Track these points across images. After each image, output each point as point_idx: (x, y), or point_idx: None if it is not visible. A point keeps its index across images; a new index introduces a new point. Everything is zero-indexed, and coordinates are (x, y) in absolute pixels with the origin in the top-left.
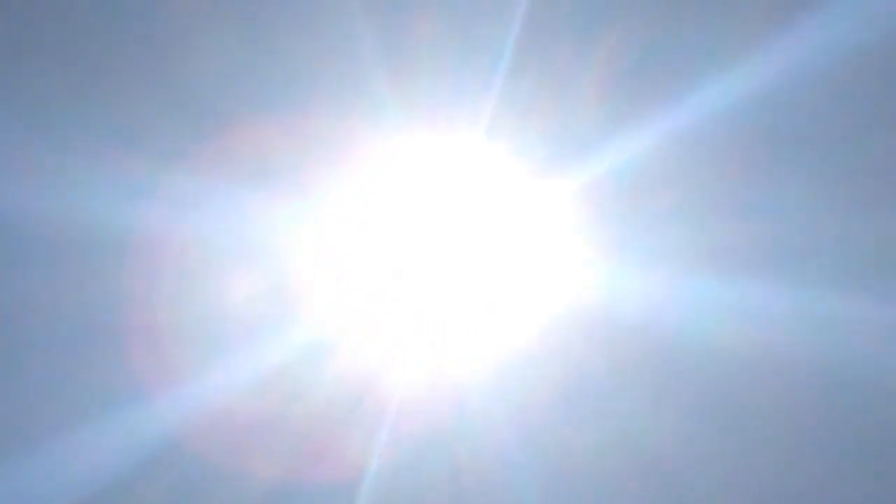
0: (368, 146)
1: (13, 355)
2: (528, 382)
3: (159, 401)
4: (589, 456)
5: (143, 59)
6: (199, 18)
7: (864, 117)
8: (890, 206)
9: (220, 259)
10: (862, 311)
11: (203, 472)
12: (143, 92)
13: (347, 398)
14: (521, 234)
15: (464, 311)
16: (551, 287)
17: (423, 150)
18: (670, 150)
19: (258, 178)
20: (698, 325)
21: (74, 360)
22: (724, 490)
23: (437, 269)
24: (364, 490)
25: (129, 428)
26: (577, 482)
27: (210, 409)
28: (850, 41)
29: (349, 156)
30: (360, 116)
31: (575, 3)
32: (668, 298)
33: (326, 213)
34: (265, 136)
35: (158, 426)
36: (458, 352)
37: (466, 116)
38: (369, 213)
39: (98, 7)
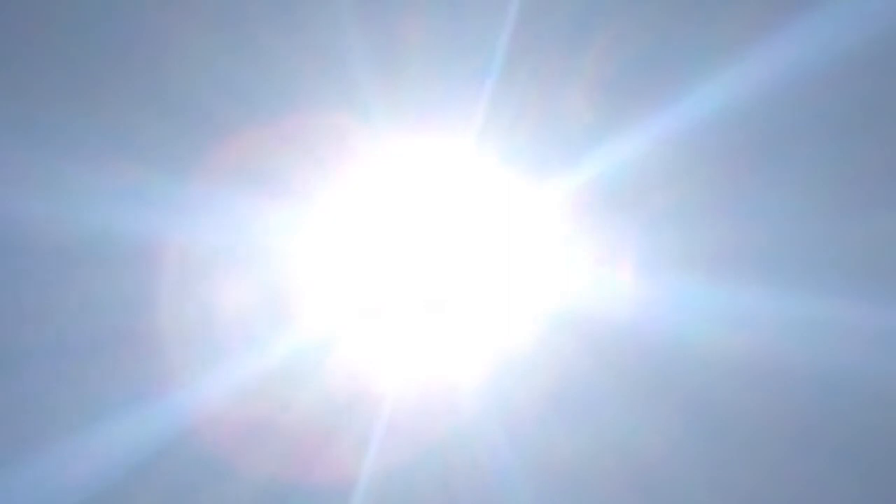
0: (360, 151)
1: (9, 359)
2: (521, 386)
3: (154, 405)
4: (581, 460)
5: (137, 64)
6: (193, 24)
7: (857, 120)
8: (883, 210)
9: (215, 263)
10: (855, 315)
11: (199, 476)
12: (138, 97)
13: (341, 402)
14: (513, 238)
15: (457, 315)
16: (542, 291)
17: (415, 154)
18: (662, 154)
19: (250, 183)
20: (690, 330)
21: (70, 364)
22: (714, 494)
23: (430, 273)
24: (358, 493)
25: (125, 432)
26: (570, 486)
27: (205, 413)
28: (841, 45)
29: (341, 160)
30: (352, 121)
31: (566, 7)
32: (660, 302)
33: (319, 218)
34: (256, 140)
35: (153, 430)
36: (451, 356)
37: (457, 121)
38: (361, 217)
39: (93, 12)
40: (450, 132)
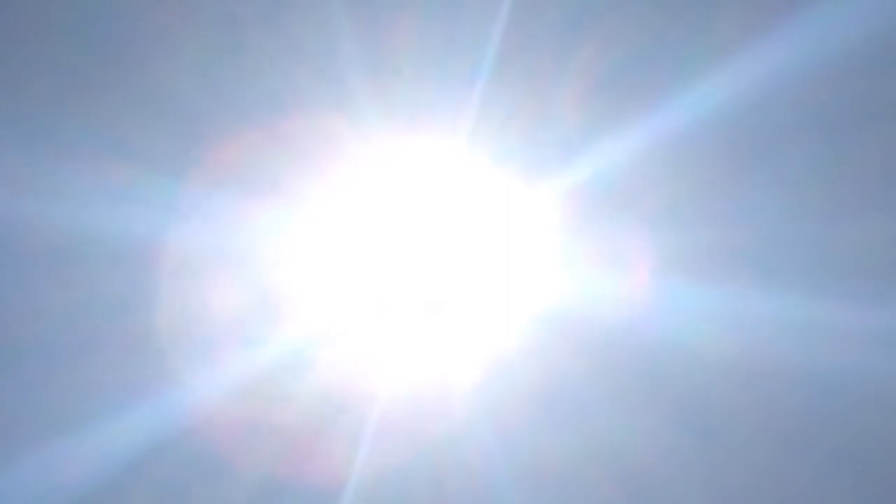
0: (352, 152)
1: (4, 359)
2: (513, 387)
3: (147, 404)
4: (574, 462)
5: (131, 66)
6: (186, 25)
7: (850, 121)
8: (877, 211)
9: (208, 263)
10: (849, 316)
11: (192, 475)
12: (132, 99)
13: (334, 402)
14: (505, 239)
15: (449, 316)
16: (535, 292)
17: (407, 155)
18: (654, 155)
19: (242, 184)
20: (684, 331)
21: (64, 363)
22: (707, 496)
23: (423, 274)
24: (349, 493)
25: (119, 431)
26: (562, 488)
27: (199, 413)
28: (834, 45)
29: (333, 161)
30: (343, 122)
31: (558, 7)
32: (654, 304)
33: (311, 219)
34: (248, 141)
35: (147, 430)
36: (444, 356)
37: (449, 122)
38: (354, 218)
39: (88, 13)
40: (441, 133)
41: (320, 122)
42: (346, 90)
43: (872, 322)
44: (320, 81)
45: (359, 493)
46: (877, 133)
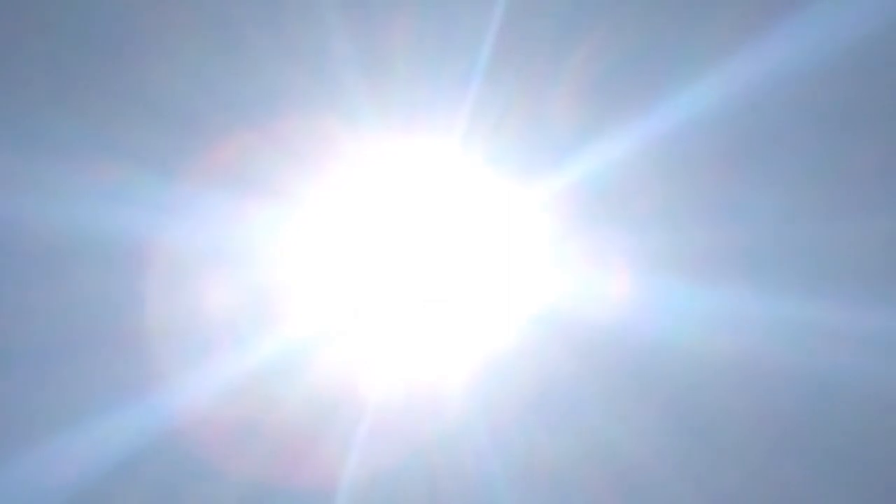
0: (347, 152)
1: None
2: (506, 388)
3: (139, 405)
4: (567, 462)
5: (126, 66)
6: (181, 25)
7: (844, 122)
8: (871, 212)
9: (202, 264)
10: (841, 317)
11: (184, 476)
12: (127, 99)
13: (327, 403)
14: (499, 240)
15: (442, 316)
16: (528, 293)
17: (401, 155)
18: (648, 155)
19: (236, 184)
20: (677, 332)
21: (56, 363)
22: (699, 497)
23: (415, 274)
24: (342, 494)
25: (110, 431)
26: (555, 488)
27: (192, 413)
28: (827, 46)
29: (328, 161)
30: (338, 123)
31: (552, 8)
32: (647, 304)
33: (305, 219)
34: (243, 141)
35: (137, 430)
36: (436, 357)
37: (443, 122)
38: (348, 219)
39: (83, 13)
40: (436, 134)
41: (315, 123)
42: (341, 91)
43: (866, 323)
44: (316, 82)
45: (352, 494)
46: (871, 134)
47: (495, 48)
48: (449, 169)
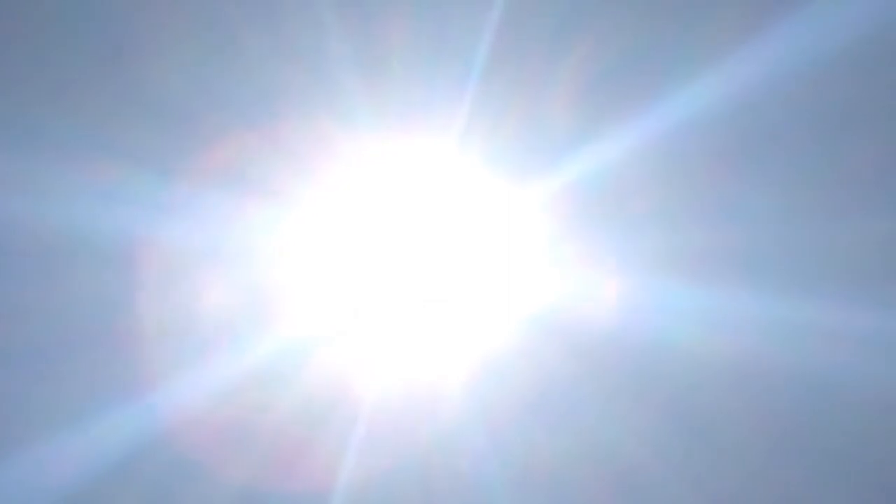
0: (343, 152)
1: None
2: (503, 389)
3: (135, 405)
4: (564, 463)
5: (123, 65)
6: (177, 25)
7: (840, 122)
8: (867, 213)
9: (198, 264)
10: (838, 318)
11: (179, 477)
12: (123, 98)
13: (323, 404)
14: (496, 240)
15: (439, 317)
16: (525, 293)
17: (398, 156)
18: (645, 156)
19: (232, 184)
20: (674, 333)
21: (52, 364)
22: (697, 498)
23: (412, 274)
24: (338, 496)
25: (105, 431)
26: (552, 490)
27: (187, 414)
28: (824, 47)
29: (324, 161)
30: (334, 122)
31: (549, 8)
32: (644, 305)
33: (301, 220)
34: (239, 141)
35: (133, 430)
36: (434, 358)
37: (440, 122)
38: (344, 219)
39: (80, 13)
40: (433, 134)
41: (312, 123)
42: (338, 91)
43: (864, 324)
44: (312, 82)
45: (349, 496)
46: (868, 135)
47: (492, 48)
48: (446, 169)
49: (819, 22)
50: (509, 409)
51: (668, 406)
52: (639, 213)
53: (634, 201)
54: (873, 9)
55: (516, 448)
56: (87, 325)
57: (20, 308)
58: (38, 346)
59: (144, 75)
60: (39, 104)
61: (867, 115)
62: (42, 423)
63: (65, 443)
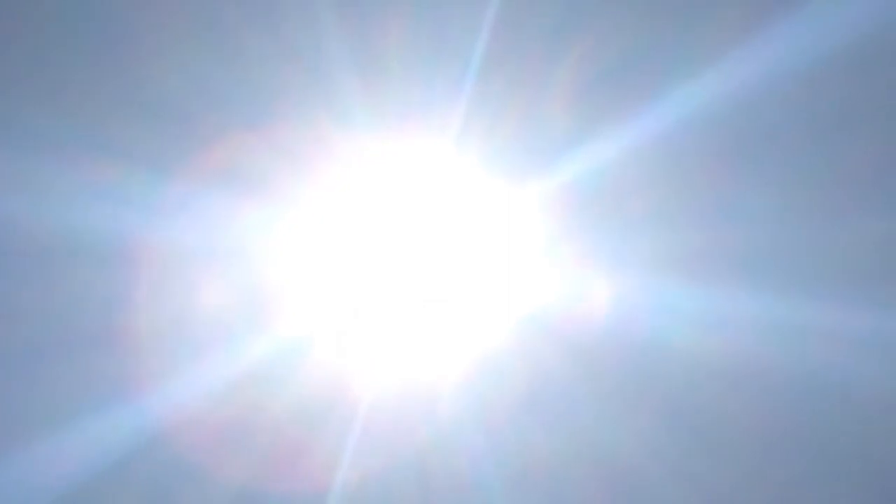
0: (340, 152)
1: None
2: (500, 388)
3: (131, 404)
4: (560, 463)
5: (121, 65)
6: (175, 25)
7: (837, 123)
8: (865, 213)
9: (195, 264)
10: (835, 318)
11: (175, 476)
12: (121, 98)
13: (319, 404)
14: (492, 239)
15: (435, 316)
16: (522, 293)
17: (395, 155)
18: (642, 155)
19: (229, 184)
20: (670, 333)
21: (47, 364)
22: (693, 497)
23: (409, 274)
24: (335, 496)
25: (102, 431)
26: (548, 489)
27: (182, 414)
28: (821, 47)
29: (321, 161)
30: (332, 122)
31: (546, 8)
32: (641, 305)
33: (298, 220)
34: (237, 141)
35: (130, 430)
36: (430, 357)
37: (437, 122)
38: (341, 219)
39: (76, 12)
40: (430, 134)
41: (309, 123)
42: (335, 91)
43: (861, 324)
44: (310, 82)
45: (345, 496)
46: (867, 134)
47: (489, 48)
48: (443, 169)
49: (816, 22)
50: (506, 409)
51: (664, 406)
52: (636, 213)
53: (631, 201)
54: (871, 9)
55: (513, 448)
56: (84, 324)
57: (17, 308)
58: (33, 345)
59: (143, 75)
60: (38, 104)
61: (864, 115)
62: (38, 423)
63: (61, 443)
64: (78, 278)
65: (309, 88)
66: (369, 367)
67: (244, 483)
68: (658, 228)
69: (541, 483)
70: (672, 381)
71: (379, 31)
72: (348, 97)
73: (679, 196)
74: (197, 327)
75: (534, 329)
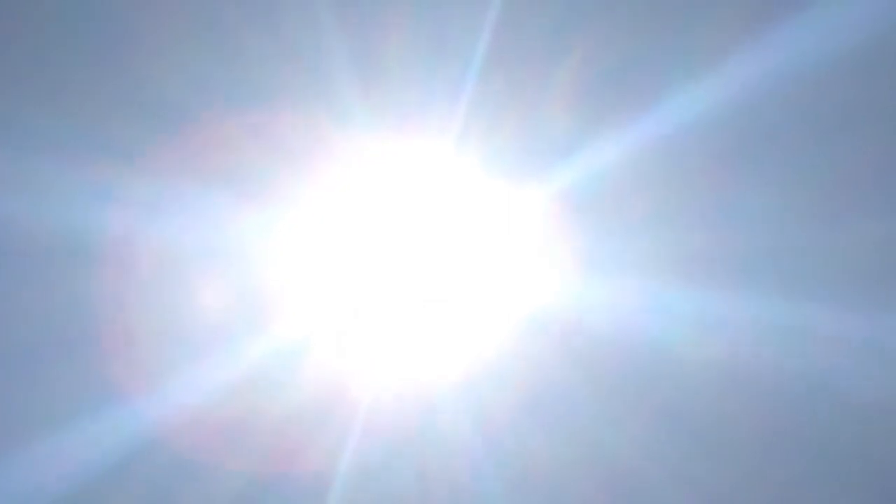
0: (340, 153)
1: None
2: (499, 391)
3: (130, 405)
4: (559, 465)
5: (119, 64)
6: (174, 24)
7: (837, 126)
8: (863, 216)
9: (193, 265)
10: (834, 321)
11: (174, 478)
12: (118, 97)
13: (318, 405)
14: (493, 241)
15: (435, 318)
16: (522, 295)
17: (395, 157)
18: (642, 158)
19: (229, 183)
20: (671, 335)
21: (44, 365)
22: (693, 499)
23: (409, 275)
24: (333, 497)
25: (100, 433)
26: (547, 492)
27: (181, 415)
28: (821, 50)
29: (320, 161)
30: (331, 122)
31: (547, 9)
32: (641, 307)
33: (297, 218)
34: (237, 142)
35: (129, 431)
36: (429, 359)
37: (438, 124)
38: (340, 220)
39: (74, 12)
40: (430, 135)
41: (310, 124)
42: (336, 92)
43: (862, 327)
44: (310, 83)
45: (344, 496)
46: (866, 137)
47: (490, 50)
48: (443, 171)
49: (817, 25)
50: (505, 412)
51: (664, 408)
52: (636, 216)
53: (632, 203)
54: (871, 12)
55: (512, 450)
56: (82, 326)
57: (16, 309)
58: (34, 346)
59: (143, 76)
60: (37, 104)
61: (865, 118)
62: (36, 424)
63: (59, 444)
64: (76, 279)
65: (309, 89)
66: (369, 369)
67: (243, 484)
68: (658, 231)
69: (540, 485)
70: (672, 383)
71: (380, 33)
72: (349, 99)
73: (679, 198)
74: (196, 328)
75: (533, 331)
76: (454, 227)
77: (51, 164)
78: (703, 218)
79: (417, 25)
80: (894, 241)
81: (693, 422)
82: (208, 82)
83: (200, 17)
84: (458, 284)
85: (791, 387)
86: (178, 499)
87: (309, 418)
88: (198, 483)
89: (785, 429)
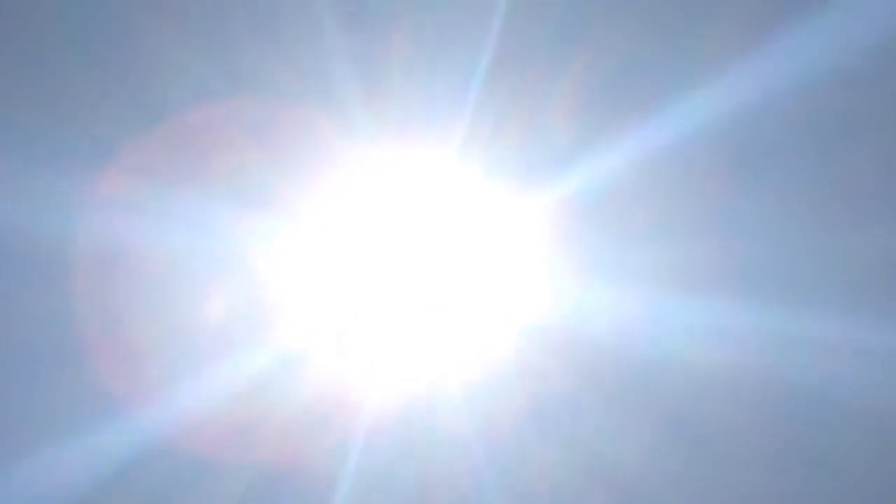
0: (344, 159)
1: None
2: (501, 398)
3: (132, 412)
4: (561, 474)
5: (121, 71)
6: (176, 30)
7: (839, 135)
8: (864, 226)
9: (196, 270)
10: (835, 330)
11: (176, 485)
12: (120, 104)
13: (321, 413)
14: (495, 250)
15: (438, 325)
16: (524, 303)
17: (398, 163)
18: (646, 166)
19: (234, 190)
20: (672, 343)
21: (48, 372)
22: None
23: (410, 283)
24: (336, 503)
25: (102, 441)
26: (548, 499)
27: (185, 422)
28: (822, 62)
29: (324, 168)
30: (335, 129)
31: (552, 16)
32: (643, 316)
33: (301, 226)
34: (240, 148)
35: (132, 438)
36: (432, 366)
37: (441, 130)
38: (344, 226)
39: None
40: (434, 142)
41: (313, 131)
42: (339, 98)
43: (863, 336)
44: (314, 89)
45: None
46: (867, 147)
47: (494, 57)
48: (447, 178)
49: (819, 36)
50: (507, 420)
51: (666, 416)
52: (638, 225)
53: (634, 212)
54: (872, 23)
55: (514, 458)
56: (86, 333)
57: (20, 315)
58: (38, 353)
59: (143, 81)
60: (37, 109)
61: (867, 127)
62: (39, 431)
63: (60, 452)
64: (79, 286)
65: (313, 96)
66: (372, 377)
67: (246, 491)
68: (660, 239)
69: (542, 493)
70: (673, 391)
71: (384, 40)
72: (353, 106)
73: (681, 207)
74: (199, 335)
75: (535, 339)
76: (457, 234)
77: (52, 170)
78: (706, 226)
79: (422, 32)
80: (894, 251)
81: (695, 430)
82: (211, 89)
83: (203, 24)
84: (461, 292)
85: (792, 395)
86: (185, 502)
87: (312, 425)
88: (200, 490)
89: (786, 437)
